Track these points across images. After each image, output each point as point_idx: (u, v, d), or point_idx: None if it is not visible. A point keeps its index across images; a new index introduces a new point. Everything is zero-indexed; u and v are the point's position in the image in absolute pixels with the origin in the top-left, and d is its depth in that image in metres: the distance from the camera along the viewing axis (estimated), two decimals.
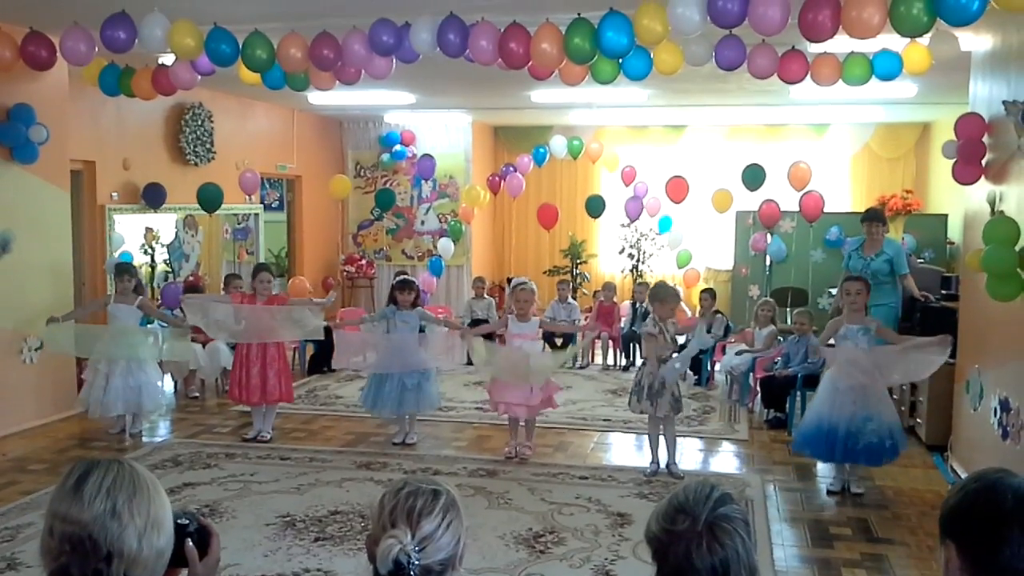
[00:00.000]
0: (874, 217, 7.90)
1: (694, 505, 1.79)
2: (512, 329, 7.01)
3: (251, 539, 5.19)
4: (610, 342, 10.87)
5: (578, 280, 13.30)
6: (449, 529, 1.86)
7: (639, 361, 8.34)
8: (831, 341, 6.18)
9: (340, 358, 7.75)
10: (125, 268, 7.57)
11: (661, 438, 6.65)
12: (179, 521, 1.79)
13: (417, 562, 1.77)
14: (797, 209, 10.03)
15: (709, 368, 9.58)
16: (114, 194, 9.29)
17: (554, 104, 11.17)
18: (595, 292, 12.28)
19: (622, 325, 10.88)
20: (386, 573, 1.77)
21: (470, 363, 10.29)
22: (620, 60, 6.13)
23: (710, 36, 5.85)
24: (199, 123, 10.44)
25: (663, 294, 6.56)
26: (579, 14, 5.80)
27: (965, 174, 6.31)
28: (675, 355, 6.53)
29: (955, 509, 1.75)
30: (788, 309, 9.56)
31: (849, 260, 7.82)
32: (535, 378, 6.75)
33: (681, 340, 7.02)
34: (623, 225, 12.83)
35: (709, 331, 7.57)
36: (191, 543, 1.82)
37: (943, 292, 8.13)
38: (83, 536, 1.61)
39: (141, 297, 7.50)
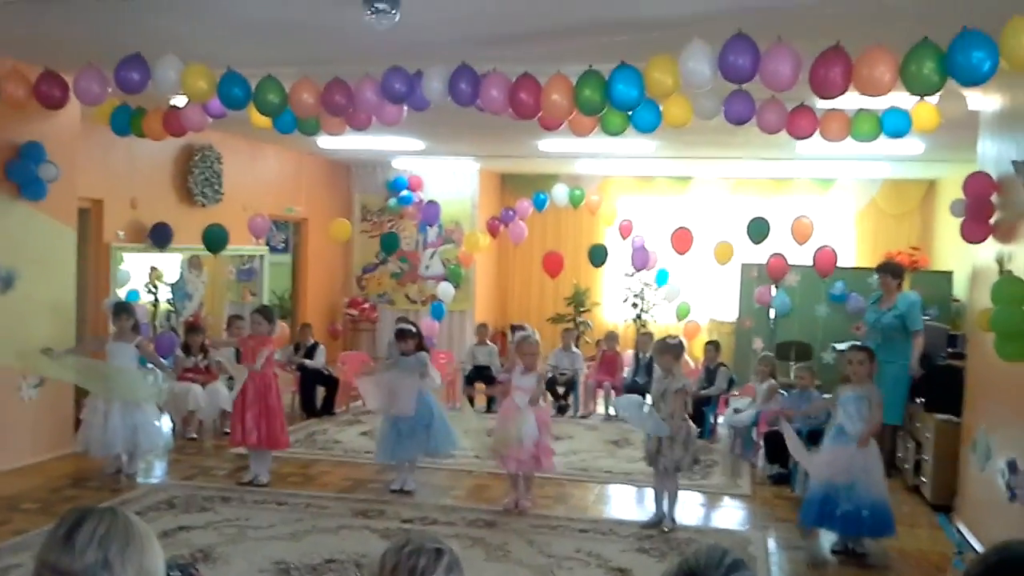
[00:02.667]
0: (884, 269, 7.87)
1: (706, 570, 1.74)
2: (516, 382, 6.91)
3: None
4: (612, 392, 10.80)
5: (581, 328, 13.26)
6: None
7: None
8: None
9: (373, 404, 7.59)
10: (123, 307, 7.56)
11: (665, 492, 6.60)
12: (171, 572, 1.75)
13: None
14: (804, 263, 10.02)
15: (712, 421, 9.51)
16: (120, 233, 9.31)
17: (561, 153, 11.23)
18: (598, 341, 12.23)
19: (625, 375, 10.82)
20: None
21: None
22: (630, 112, 6.16)
23: (720, 90, 5.87)
24: (208, 164, 10.49)
25: (660, 347, 6.72)
26: (590, 66, 5.84)
27: (973, 232, 6.30)
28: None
29: None
30: (792, 363, 9.49)
31: (866, 313, 7.81)
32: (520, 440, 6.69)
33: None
34: (627, 275, 12.82)
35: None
36: None
37: (949, 350, 8.08)
38: None
39: (140, 337, 7.48)
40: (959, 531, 6.22)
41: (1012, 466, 5.48)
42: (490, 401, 10.43)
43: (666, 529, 6.33)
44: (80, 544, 1.59)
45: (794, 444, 6.20)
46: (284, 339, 10.53)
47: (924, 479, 7.26)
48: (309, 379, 10.23)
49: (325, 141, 10.57)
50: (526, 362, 6.88)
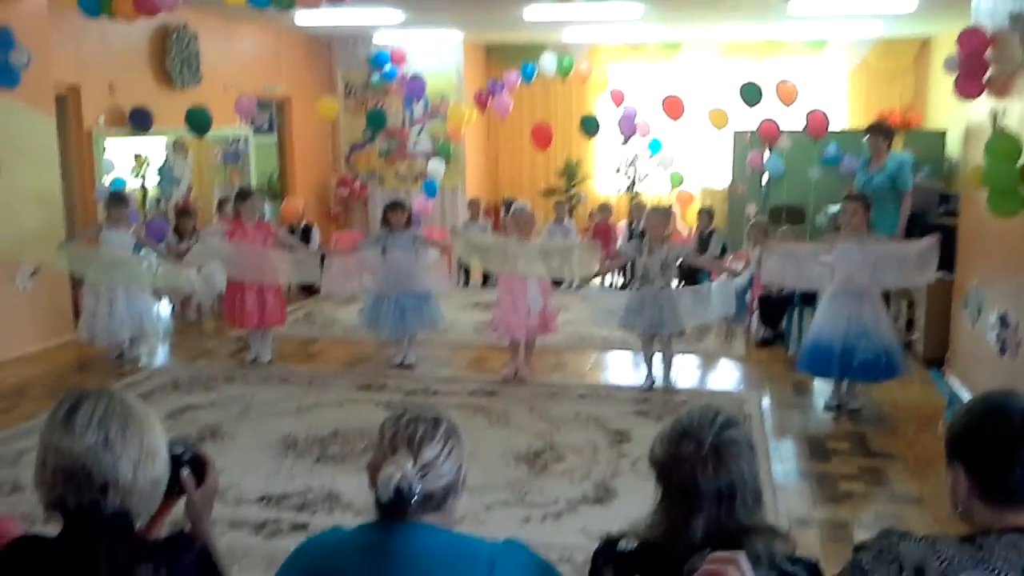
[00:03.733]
0: (874, 130, 7.77)
1: (699, 429, 1.78)
2: (512, 248, 6.94)
3: (253, 460, 5.23)
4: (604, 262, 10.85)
5: (574, 201, 13.21)
6: (451, 456, 1.84)
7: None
8: (826, 258, 6.16)
9: (332, 284, 7.68)
10: (119, 196, 7.55)
11: (656, 355, 6.72)
12: (174, 450, 1.78)
13: (419, 489, 1.76)
14: (798, 127, 9.91)
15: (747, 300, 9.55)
16: (101, 118, 9.12)
17: (547, 22, 10.92)
18: (591, 212, 12.21)
19: (618, 245, 10.85)
20: (387, 500, 1.76)
21: (466, 284, 10.36)
22: None
23: None
24: (184, 45, 10.19)
25: (651, 216, 6.76)
26: None
27: (967, 89, 6.20)
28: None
29: (963, 431, 1.73)
30: (786, 227, 9.50)
31: (856, 175, 7.76)
32: (523, 268, 6.78)
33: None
34: (621, 144, 12.68)
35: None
36: (187, 471, 1.81)
37: (942, 209, 8.09)
38: (76, 468, 1.59)
39: (135, 224, 7.47)
40: (950, 385, 6.37)
41: (1003, 320, 5.57)
42: (486, 276, 10.46)
43: (676, 390, 6.50)
44: (80, 426, 1.61)
45: None
46: (296, 212, 10.47)
47: (916, 336, 7.38)
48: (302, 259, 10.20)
49: (303, 16, 10.25)
50: (521, 233, 6.89)
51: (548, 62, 11.56)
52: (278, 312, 7.36)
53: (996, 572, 1.57)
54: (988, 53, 6.08)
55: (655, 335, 6.67)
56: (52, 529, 1.64)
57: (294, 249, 7.60)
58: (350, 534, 1.89)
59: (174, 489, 1.78)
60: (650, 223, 6.72)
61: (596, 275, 7.18)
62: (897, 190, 7.52)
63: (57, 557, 1.59)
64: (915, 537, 1.66)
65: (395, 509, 1.78)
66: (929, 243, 5.91)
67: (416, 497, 1.76)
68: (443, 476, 1.83)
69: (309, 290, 10.12)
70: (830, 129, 9.97)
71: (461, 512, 1.93)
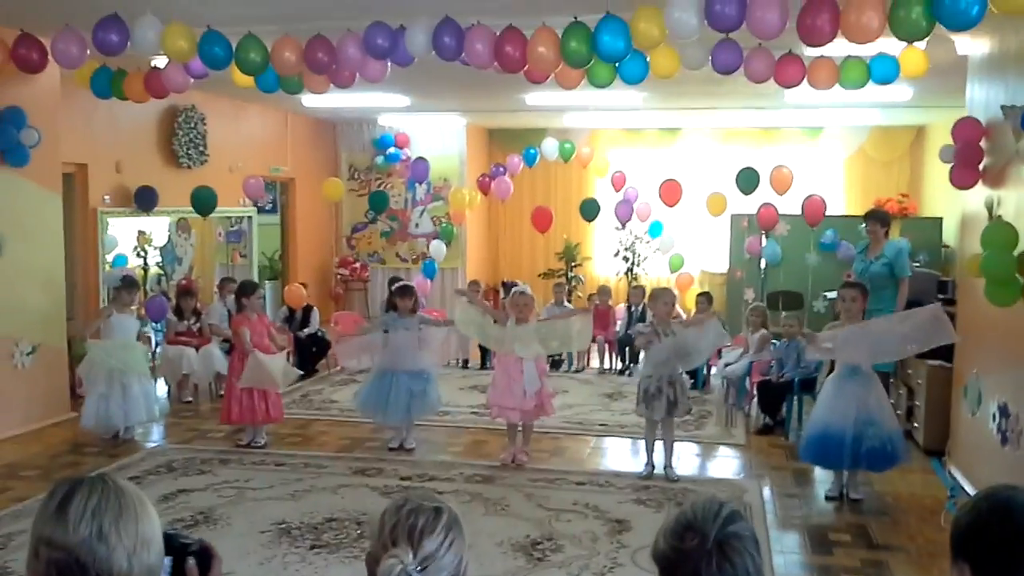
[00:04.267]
0: (872, 217, 7.85)
1: (703, 523, 1.75)
2: (510, 331, 6.94)
3: (246, 546, 5.14)
4: (606, 345, 10.86)
5: (573, 283, 13.27)
6: (451, 548, 1.81)
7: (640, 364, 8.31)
8: (827, 344, 6.14)
9: (343, 358, 7.81)
10: (132, 281, 7.74)
11: (658, 443, 6.66)
12: (182, 540, 1.75)
13: None
14: (795, 212, 10.01)
15: (705, 372, 9.56)
16: (106, 197, 9.23)
17: (548, 107, 11.13)
18: (590, 295, 12.24)
19: (617, 328, 10.86)
20: None
21: (465, 366, 10.34)
22: (616, 64, 6.10)
23: (707, 40, 5.82)
24: (192, 125, 10.38)
25: (657, 294, 6.80)
26: (575, 18, 5.76)
27: (963, 178, 6.30)
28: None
29: (968, 529, 1.71)
30: (782, 312, 9.53)
31: (854, 263, 7.81)
32: (520, 349, 6.76)
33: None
34: (617, 228, 12.80)
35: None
36: (193, 562, 1.77)
37: (939, 296, 8.11)
38: (71, 561, 1.56)
39: (136, 307, 7.58)
40: (952, 475, 6.30)
41: (1003, 410, 5.54)
42: (484, 356, 10.43)
43: (676, 479, 6.42)
44: (73, 518, 1.58)
45: None
46: (299, 298, 10.52)
47: (917, 425, 7.33)
48: (304, 341, 10.23)
49: (309, 99, 10.45)
50: (520, 315, 6.90)
51: (550, 147, 11.75)
52: (279, 408, 7.41)
53: None
54: (982, 143, 6.18)
55: (658, 421, 6.62)
56: None
57: (282, 348, 7.69)
58: None
59: None
60: (656, 305, 6.70)
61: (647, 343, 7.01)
62: (895, 277, 7.57)
63: None
64: None
65: None
66: (932, 310, 5.89)
67: None
68: (443, 569, 1.79)
69: (306, 371, 10.10)
70: (827, 215, 10.09)
71: None
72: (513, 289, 7.19)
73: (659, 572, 1.79)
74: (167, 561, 1.75)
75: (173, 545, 1.75)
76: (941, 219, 10.76)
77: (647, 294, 10.54)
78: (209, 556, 1.81)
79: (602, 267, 14.19)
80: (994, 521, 1.67)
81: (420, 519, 1.80)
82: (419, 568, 1.74)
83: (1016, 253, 5.25)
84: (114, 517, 1.60)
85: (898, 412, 7.41)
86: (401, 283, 7.66)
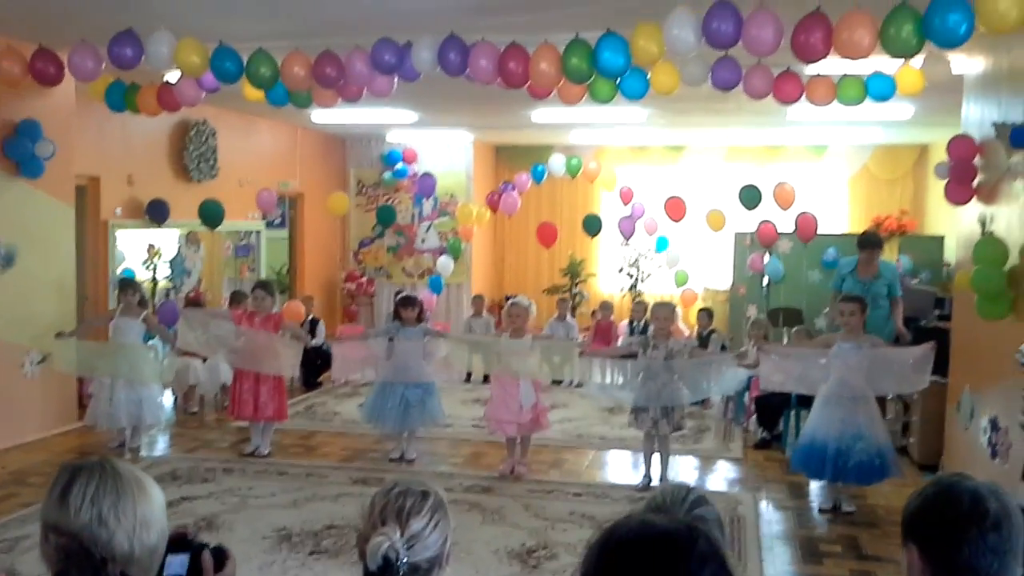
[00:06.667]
0: (869, 243, 7.87)
1: (671, 506, 1.85)
2: (505, 346, 7.05)
3: (247, 552, 5.21)
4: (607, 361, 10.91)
5: (576, 299, 13.36)
6: (437, 528, 1.92)
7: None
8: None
9: (338, 373, 7.88)
10: (129, 283, 7.74)
11: (655, 455, 6.74)
12: (199, 539, 1.87)
13: (405, 559, 1.83)
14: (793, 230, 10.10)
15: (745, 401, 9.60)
16: (118, 210, 9.38)
17: (554, 124, 11.27)
18: (593, 311, 12.33)
19: (619, 344, 10.92)
20: (375, 569, 1.83)
21: (468, 380, 10.41)
22: (617, 80, 6.22)
23: (706, 57, 5.94)
24: (203, 139, 10.54)
25: (656, 308, 6.95)
26: (577, 35, 5.89)
27: (957, 195, 6.39)
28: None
29: (916, 513, 1.82)
30: (784, 329, 9.60)
31: (843, 282, 7.78)
32: (516, 365, 6.87)
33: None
34: (622, 244, 12.91)
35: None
36: (208, 555, 1.88)
37: (937, 313, 8.18)
38: (75, 545, 1.67)
39: (145, 312, 7.61)
40: None
41: (994, 424, 5.60)
42: (486, 375, 10.49)
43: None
44: (74, 504, 1.69)
45: None
46: (298, 315, 10.61)
47: (912, 440, 7.39)
48: (309, 353, 10.31)
49: (319, 115, 10.61)
50: (514, 325, 7.01)
51: (557, 163, 11.87)
52: (275, 406, 7.41)
53: None
54: (976, 160, 6.28)
55: (654, 434, 6.70)
56: None
57: (299, 338, 7.69)
58: None
59: (197, 572, 1.85)
60: (657, 317, 6.82)
61: (595, 356, 7.22)
62: (890, 296, 7.65)
63: None
64: None
65: None
66: (925, 350, 6.00)
67: (403, 567, 1.83)
68: (429, 548, 1.90)
69: (311, 384, 10.21)
70: (831, 233, 10.17)
71: None
72: (509, 299, 7.32)
73: None
74: (184, 558, 1.85)
75: (191, 543, 1.87)
76: (943, 237, 10.83)
77: (649, 310, 10.67)
78: (224, 555, 1.92)
79: (606, 283, 14.28)
80: (939, 504, 1.78)
81: (408, 501, 1.92)
82: (406, 546, 1.85)
83: (1007, 268, 5.34)
84: (112, 501, 1.71)
85: (894, 428, 7.49)
86: (405, 294, 7.76)
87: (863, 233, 8.75)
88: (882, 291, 7.67)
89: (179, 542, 1.85)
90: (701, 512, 1.86)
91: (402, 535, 1.87)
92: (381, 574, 1.84)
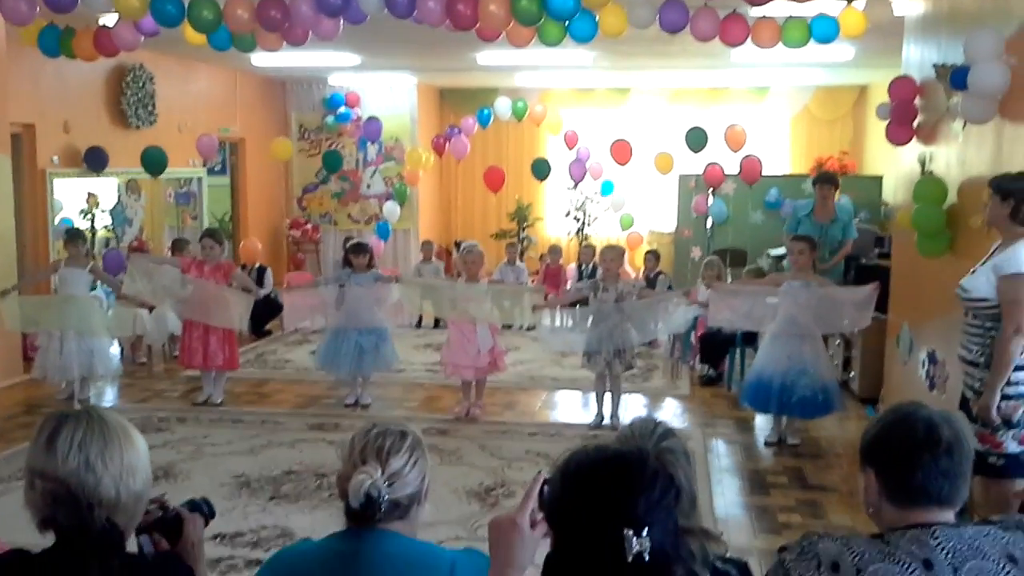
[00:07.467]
0: (821, 179, 8.00)
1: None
2: (461, 291, 7.12)
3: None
4: (551, 297, 11.03)
5: (525, 243, 13.42)
6: (416, 466, 1.99)
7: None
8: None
9: (290, 321, 7.88)
10: (77, 233, 7.62)
11: (607, 394, 6.89)
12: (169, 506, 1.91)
13: (387, 496, 1.89)
14: (738, 172, 10.25)
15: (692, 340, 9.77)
16: (55, 158, 9.14)
17: (500, 66, 11.20)
18: (541, 255, 12.41)
19: (568, 287, 11.04)
20: (357, 506, 1.89)
21: (419, 325, 10.44)
22: (566, 22, 6.20)
23: None
24: (140, 85, 10.28)
25: (604, 251, 7.04)
26: None
27: (898, 135, 6.54)
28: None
29: (874, 439, 1.94)
30: (728, 269, 9.78)
31: (799, 224, 7.83)
32: (474, 310, 6.96)
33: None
34: (569, 188, 12.96)
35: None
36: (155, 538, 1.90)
37: (877, 251, 8.40)
38: (62, 491, 1.69)
39: (93, 262, 7.49)
40: None
41: (932, 357, 5.82)
42: (437, 319, 10.56)
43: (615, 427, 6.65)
44: (61, 450, 1.71)
45: None
46: (255, 255, 10.55)
47: (853, 374, 7.64)
48: (257, 302, 10.23)
49: (259, 58, 10.39)
50: (469, 271, 7.07)
51: (503, 106, 11.82)
52: (226, 355, 7.37)
53: (901, 564, 1.75)
54: (917, 101, 6.42)
55: (606, 375, 6.84)
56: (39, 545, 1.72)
57: (249, 290, 7.62)
58: (321, 541, 2.02)
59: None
60: (606, 259, 6.93)
61: (548, 307, 7.40)
62: (843, 238, 7.82)
63: (48, 573, 1.68)
64: (832, 537, 1.84)
65: (364, 516, 1.91)
66: (869, 290, 6.17)
67: (384, 504, 1.89)
68: (408, 485, 1.97)
69: (260, 332, 10.15)
70: (773, 174, 10.33)
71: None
72: (463, 245, 7.35)
73: None
74: (145, 538, 1.88)
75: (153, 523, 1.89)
76: (881, 177, 11.08)
77: (596, 253, 10.78)
78: (179, 521, 1.94)
79: (553, 227, 14.36)
80: (896, 431, 1.90)
81: (387, 440, 1.98)
82: (387, 483, 1.91)
83: (945, 207, 5.52)
84: (100, 448, 1.73)
85: (835, 363, 7.72)
86: (355, 241, 7.74)
87: (819, 171, 8.89)
88: (838, 235, 7.80)
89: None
90: (668, 444, 1.93)
91: (383, 473, 1.93)
92: (363, 511, 1.91)
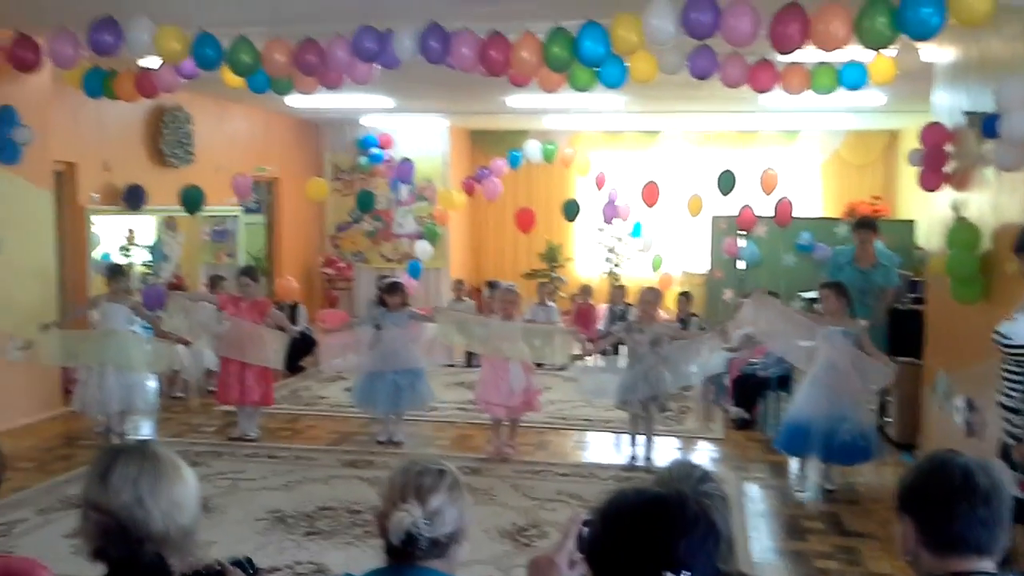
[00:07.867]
0: (865, 226, 7.84)
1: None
2: (497, 330, 7.16)
3: (241, 534, 5.30)
4: (588, 343, 11.03)
5: (555, 283, 13.44)
6: (455, 505, 2.02)
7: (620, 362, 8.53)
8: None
9: (324, 359, 7.97)
10: (119, 269, 7.75)
11: (640, 436, 6.89)
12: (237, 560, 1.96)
13: (426, 534, 1.93)
14: (770, 214, 10.26)
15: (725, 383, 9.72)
16: (95, 195, 9.33)
17: (529, 109, 11.32)
18: (573, 295, 12.44)
19: (600, 327, 11.06)
20: (398, 542, 1.92)
21: (452, 364, 10.50)
22: (596, 68, 6.30)
23: (683, 46, 6.03)
24: (179, 126, 10.50)
25: (646, 295, 7.04)
26: (558, 24, 5.96)
27: (930, 181, 6.55)
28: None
29: (911, 487, 1.96)
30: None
31: (840, 271, 7.59)
32: (506, 350, 6.99)
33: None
34: (599, 229, 13.02)
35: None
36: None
37: (911, 295, 8.36)
38: (113, 525, 1.75)
39: (133, 298, 7.62)
40: None
41: (970, 404, 5.77)
42: (469, 355, 10.61)
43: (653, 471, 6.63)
44: (115, 485, 1.78)
45: None
46: (291, 293, 10.67)
47: (889, 419, 7.57)
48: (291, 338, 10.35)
49: (294, 99, 10.56)
50: (505, 310, 7.12)
51: (533, 148, 11.93)
52: (262, 391, 7.48)
53: None
54: (948, 147, 6.44)
55: (640, 416, 6.85)
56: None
57: (284, 329, 7.72)
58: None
59: None
60: (644, 301, 6.95)
61: (585, 355, 7.44)
62: (886, 286, 7.72)
63: None
64: None
65: (404, 553, 1.95)
66: (889, 368, 6.14)
67: (424, 541, 1.92)
68: (448, 523, 2.00)
69: (294, 368, 10.24)
70: (804, 217, 10.32)
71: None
72: (500, 285, 7.42)
73: None
74: None
75: None
76: (913, 222, 11.03)
77: (628, 293, 10.81)
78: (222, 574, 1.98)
79: (583, 268, 14.40)
80: (933, 479, 1.91)
81: (427, 479, 2.02)
82: (426, 521, 1.94)
83: (979, 253, 5.51)
84: (151, 484, 1.80)
85: (871, 408, 7.66)
86: (390, 280, 7.83)
87: (859, 217, 8.79)
88: (879, 281, 7.67)
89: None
90: (707, 488, 1.95)
91: (423, 511, 1.96)
92: (403, 548, 1.94)
